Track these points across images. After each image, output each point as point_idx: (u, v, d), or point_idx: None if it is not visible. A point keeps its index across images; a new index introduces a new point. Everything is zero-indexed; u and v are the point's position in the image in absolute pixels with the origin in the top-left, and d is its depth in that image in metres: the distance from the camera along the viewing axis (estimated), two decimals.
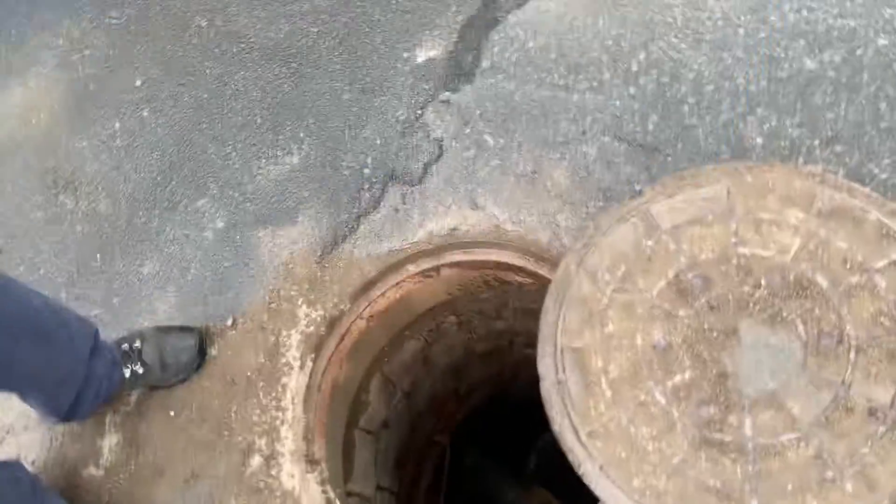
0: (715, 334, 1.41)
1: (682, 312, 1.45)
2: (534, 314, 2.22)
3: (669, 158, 1.69)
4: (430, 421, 2.71)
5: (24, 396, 1.59)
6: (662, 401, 1.39)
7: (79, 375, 1.60)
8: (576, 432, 1.42)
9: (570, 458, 1.40)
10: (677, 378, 1.40)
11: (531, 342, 2.50)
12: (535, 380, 3.05)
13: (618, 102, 1.80)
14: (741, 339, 1.40)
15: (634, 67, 1.84)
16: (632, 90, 1.81)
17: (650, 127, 1.75)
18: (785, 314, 1.39)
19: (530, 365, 2.82)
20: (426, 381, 2.46)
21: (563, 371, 1.48)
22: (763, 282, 1.43)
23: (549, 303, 1.56)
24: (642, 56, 1.85)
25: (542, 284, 1.94)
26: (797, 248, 1.44)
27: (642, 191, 1.58)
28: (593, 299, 1.52)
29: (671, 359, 1.42)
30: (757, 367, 1.37)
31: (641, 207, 1.57)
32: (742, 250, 1.47)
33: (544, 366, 1.50)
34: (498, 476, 3.27)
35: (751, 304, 1.42)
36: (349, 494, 1.97)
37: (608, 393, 1.43)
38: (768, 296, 1.41)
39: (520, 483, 3.39)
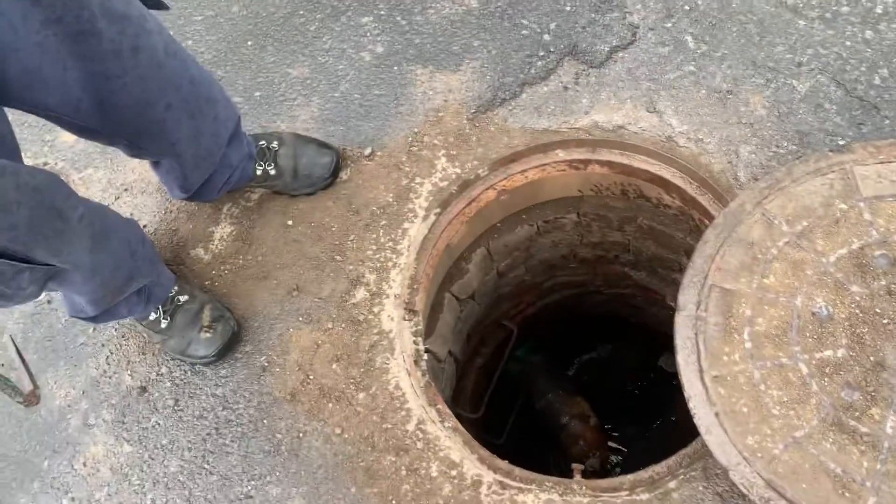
0: (885, 321, 1.30)
1: (855, 288, 1.34)
2: (657, 236, 2.13)
3: (887, 121, 1.52)
4: (507, 305, 2.68)
5: (157, 167, 1.57)
6: (805, 370, 1.30)
7: (215, 157, 1.57)
8: (700, 372, 1.35)
9: (688, 394, 1.35)
10: (828, 353, 1.31)
11: (637, 262, 2.42)
12: (612, 297, 2.97)
13: (848, 43, 1.61)
14: None
15: (879, 9, 1.62)
16: (868, 34, 1.61)
17: (876, 80, 1.56)
18: None
19: (620, 284, 2.76)
20: (521, 267, 2.40)
21: (706, 308, 1.40)
22: None
23: (709, 235, 1.45)
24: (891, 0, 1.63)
25: (687, 211, 1.83)
26: None
27: (850, 146, 1.42)
28: (762, 245, 1.41)
29: (828, 331, 1.32)
30: None
31: (846, 165, 1.42)
32: None
33: (686, 297, 1.42)
34: (545, 373, 3.29)
35: None
36: (426, 351, 1.97)
37: (748, 344, 1.35)
38: None
39: (562, 386, 3.40)
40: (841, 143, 1.53)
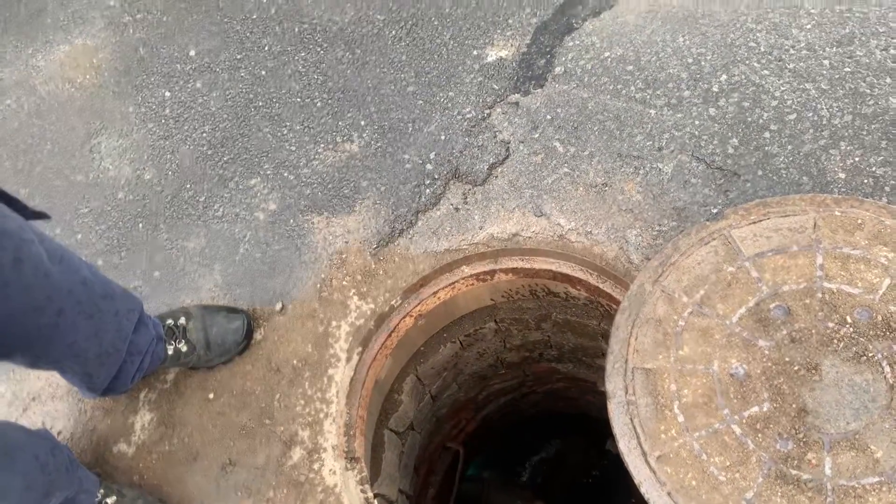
0: (796, 368, 1.38)
1: (762, 342, 1.41)
2: (574, 328, 2.19)
3: (749, 184, 1.66)
4: (448, 426, 2.66)
5: (63, 372, 1.52)
6: (738, 431, 1.35)
7: (121, 350, 1.53)
8: (644, 455, 1.38)
9: (637, 480, 1.36)
10: (754, 409, 1.36)
11: (562, 356, 2.47)
12: (547, 394, 2.99)
13: (697, 122, 1.77)
14: (823, 376, 1.36)
15: (715, 88, 1.80)
16: (712, 111, 1.78)
17: (730, 150, 1.71)
18: (871, 354, 1.36)
19: (551, 380, 2.79)
20: (452, 385, 2.41)
21: (633, 391, 1.44)
22: (849, 319, 1.40)
23: (620, 320, 1.51)
24: (723, 77, 1.81)
25: (595, 300, 1.91)
26: (886, 288, 1.41)
27: (724, 213, 1.54)
28: (669, 320, 1.48)
29: (749, 389, 1.38)
30: (839, 406, 1.33)
31: (724, 231, 1.53)
32: (828, 285, 1.44)
33: (613, 384, 1.46)
34: (500, 488, 3.23)
35: (835, 341, 1.38)
36: (375, 496, 1.91)
37: (680, 418, 1.39)
38: (854, 334, 1.38)
39: (520, 495, 3.35)
40: (714, 211, 1.65)
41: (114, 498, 1.52)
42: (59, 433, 1.71)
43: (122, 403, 1.72)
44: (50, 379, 1.78)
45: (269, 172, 1.97)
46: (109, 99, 2.22)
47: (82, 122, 2.18)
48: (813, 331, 1.40)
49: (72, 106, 2.22)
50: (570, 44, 1.97)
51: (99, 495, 1.51)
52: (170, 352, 1.64)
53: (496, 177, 1.85)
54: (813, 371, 1.37)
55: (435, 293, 1.85)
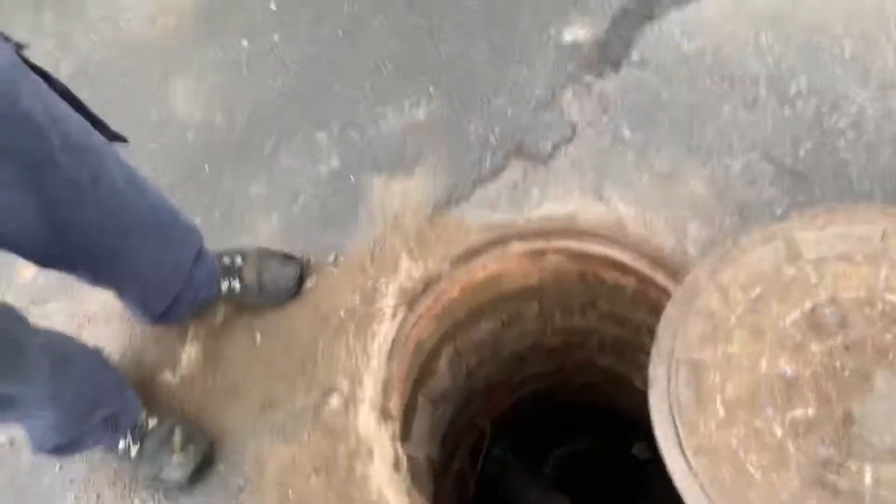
0: (847, 375, 1.35)
1: (814, 347, 1.39)
2: (617, 319, 2.18)
3: (818, 190, 1.63)
4: (479, 403, 2.67)
5: (121, 293, 1.58)
6: (779, 432, 1.33)
7: (180, 280, 1.58)
8: (680, 445, 1.37)
9: (671, 469, 1.35)
10: (799, 412, 1.34)
11: (603, 346, 2.46)
12: (586, 386, 2.98)
13: (771, 122, 1.74)
14: (874, 387, 1.34)
15: (793, 90, 1.77)
16: (787, 112, 1.74)
17: (801, 154, 1.68)
18: None
19: (588, 371, 2.78)
20: (490, 362, 2.42)
21: (677, 381, 1.43)
22: None
23: (671, 310, 1.50)
24: (803, 80, 1.78)
25: (644, 290, 1.89)
26: None
27: (789, 215, 1.52)
28: (721, 315, 1.47)
29: (795, 391, 1.36)
30: (888, 418, 1.30)
31: (787, 232, 1.51)
32: (890, 297, 1.41)
33: (657, 372, 1.45)
34: (524, 473, 3.24)
35: (891, 353, 1.36)
36: (406, 456, 1.94)
37: (721, 412, 1.38)
38: None
39: (542, 485, 3.35)
40: (778, 212, 1.62)
41: (155, 420, 1.57)
42: (109, 355, 1.76)
43: (173, 334, 1.77)
44: (106, 301, 1.84)
45: (335, 130, 1.99)
46: (189, 43, 2.27)
47: (160, 63, 2.24)
48: (869, 340, 1.37)
49: (152, 45, 2.28)
50: (650, 32, 1.95)
51: (141, 417, 1.57)
52: (223, 289, 1.69)
53: (559, 156, 1.84)
54: (864, 381, 1.34)
55: (484, 265, 1.86)
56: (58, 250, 1.30)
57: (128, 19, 2.36)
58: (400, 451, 1.65)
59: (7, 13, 2.44)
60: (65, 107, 1.22)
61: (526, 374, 2.70)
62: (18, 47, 1.16)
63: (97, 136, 1.29)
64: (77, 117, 1.25)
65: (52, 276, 1.88)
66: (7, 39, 1.15)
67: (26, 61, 1.17)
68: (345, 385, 1.64)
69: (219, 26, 2.28)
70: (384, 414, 1.67)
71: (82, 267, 1.41)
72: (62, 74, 2.15)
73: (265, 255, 1.73)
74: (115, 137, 1.37)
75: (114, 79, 2.23)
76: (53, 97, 1.20)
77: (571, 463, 3.96)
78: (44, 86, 1.18)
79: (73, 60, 2.29)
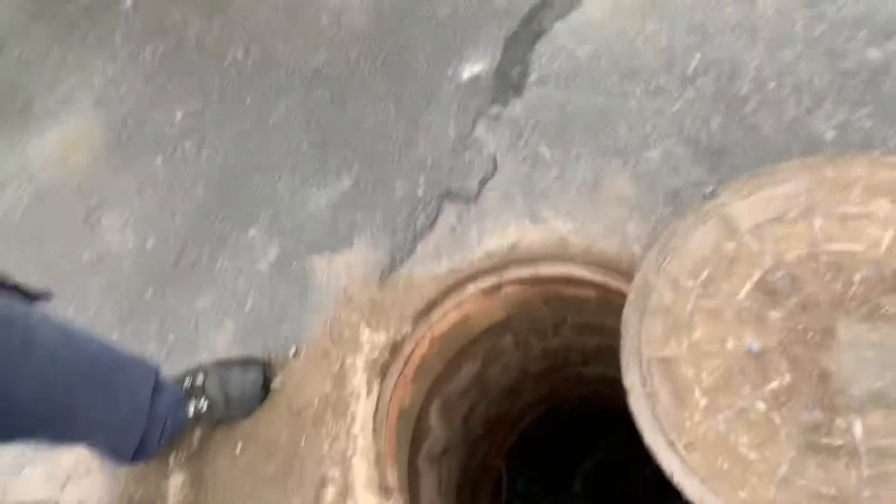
0: (811, 335, 1.35)
1: (772, 314, 1.39)
2: (591, 329, 2.17)
3: (738, 159, 1.64)
4: (485, 445, 2.65)
5: (90, 445, 1.54)
6: (763, 407, 1.33)
7: (142, 417, 1.55)
8: (672, 445, 1.36)
9: (667, 471, 1.34)
10: (775, 383, 1.34)
11: (586, 359, 2.45)
12: (584, 398, 2.97)
13: (677, 105, 1.76)
14: (839, 339, 1.34)
15: (690, 70, 1.80)
16: (690, 93, 1.77)
17: (714, 128, 1.70)
18: (885, 309, 1.33)
19: (581, 384, 2.77)
20: (482, 403, 2.40)
21: (652, 382, 1.42)
22: (856, 278, 1.37)
23: (628, 314, 1.50)
24: (697, 57, 1.81)
25: (606, 297, 1.89)
26: (890, 240, 1.38)
27: (716, 192, 1.53)
28: (677, 307, 1.47)
29: (767, 363, 1.36)
30: (860, 367, 1.31)
31: (718, 209, 1.52)
32: (830, 247, 1.42)
33: (631, 379, 1.45)
34: (554, 500, 3.20)
35: (846, 302, 1.36)
36: None
37: (703, 402, 1.37)
38: (864, 291, 1.36)
39: None
40: (707, 190, 1.64)
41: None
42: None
43: (154, 468, 1.73)
44: (81, 455, 1.80)
45: (266, 222, 1.99)
46: (105, 174, 2.26)
47: (82, 201, 2.23)
48: (822, 295, 1.38)
49: (70, 187, 2.27)
50: (542, 48, 1.98)
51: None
52: (191, 412, 1.66)
53: (488, 190, 1.85)
54: (828, 335, 1.34)
55: (444, 315, 1.85)
56: (9, 425, 1.27)
57: (40, 167, 2.35)
58: None
59: None
60: None
61: (522, 405, 2.68)
62: None
63: (18, 305, 1.27)
64: None
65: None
66: None
67: None
68: (336, 473, 1.61)
69: (131, 150, 2.28)
70: (384, 490, 1.64)
71: (39, 433, 1.38)
72: None
73: (225, 366, 1.71)
74: (37, 297, 1.35)
75: (40, 230, 2.21)
76: None
77: (600, 474, 3.91)
78: None
79: None
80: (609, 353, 2.33)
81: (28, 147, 2.42)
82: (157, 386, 1.57)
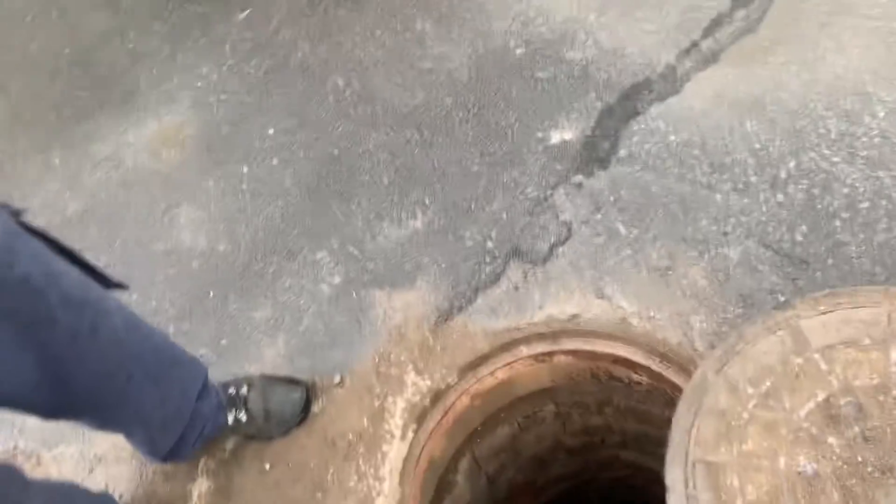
0: (870, 469, 1.30)
1: (832, 440, 1.34)
2: (637, 415, 2.13)
3: (818, 273, 1.61)
4: None
5: (128, 434, 1.57)
6: None
7: (185, 416, 1.57)
8: None
9: None
10: None
11: (625, 442, 2.39)
12: (614, 482, 2.89)
13: (764, 208, 1.74)
14: None
15: (783, 174, 1.78)
16: (780, 197, 1.75)
17: (798, 238, 1.67)
18: None
19: (613, 467, 2.70)
20: (511, 468, 2.36)
21: (694, 485, 1.38)
22: None
23: (682, 409, 1.47)
24: (792, 164, 1.79)
25: (658, 386, 1.85)
26: None
27: (792, 303, 1.49)
28: (732, 412, 1.43)
29: (818, 489, 1.31)
30: None
31: (791, 321, 1.49)
32: None
33: (673, 477, 1.41)
34: None
35: None
36: None
37: None
38: None
39: None
40: (782, 299, 1.60)
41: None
42: (120, 496, 1.75)
43: (183, 470, 1.75)
44: (116, 442, 1.83)
45: (335, 247, 2.02)
46: (191, 173, 2.34)
47: (164, 195, 2.30)
48: (888, 430, 1.33)
49: (156, 179, 2.36)
50: (636, 127, 1.99)
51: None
52: (230, 420, 1.68)
53: (557, 256, 1.85)
54: (888, 473, 1.29)
55: (492, 372, 1.84)
56: (61, 403, 1.31)
57: (132, 154, 2.45)
58: None
59: (19, 160, 2.55)
60: (62, 264, 1.26)
61: (549, 477, 2.62)
62: (16, 214, 1.21)
63: (95, 288, 1.32)
64: (74, 272, 1.28)
65: None
66: (4, 206, 1.19)
67: (24, 225, 1.21)
68: None
69: (220, 155, 2.35)
70: None
71: (87, 415, 1.41)
72: (70, 214, 2.24)
73: (270, 382, 1.73)
74: (113, 285, 1.40)
75: (120, 214, 2.29)
76: (51, 257, 1.23)
77: None
78: (41, 247, 1.22)
79: (80, 199, 2.36)
80: (648, 442, 2.28)
81: (124, 135, 2.52)
82: (204, 388, 1.60)
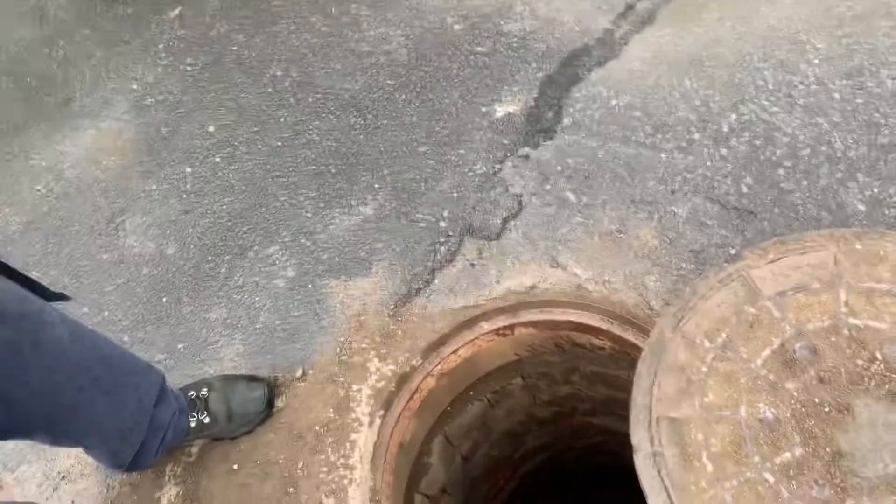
0: (827, 409, 1.32)
1: (789, 385, 1.36)
2: (603, 380, 2.14)
3: (766, 223, 1.62)
4: (484, 488, 2.60)
5: (87, 448, 1.53)
6: (771, 479, 1.29)
7: (143, 425, 1.54)
8: None
9: None
10: (786, 455, 1.31)
11: (595, 409, 2.41)
12: (589, 449, 2.92)
13: (709, 163, 1.75)
14: (856, 416, 1.30)
15: (725, 128, 1.79)
16: (723, 151, 1.76)
17: (744, 189, 1.69)
18: None
19: (587, 434, 2.72)
20: (484, 444, 2.36)
21: (660, 442, 1.39)
22: (879, 355, 1.34)
23: (642, 369, 1.48)
24: (733, 117, 1.80)
25: (620, 349, 1.86)
26: None
27: (741, 254, 1.51)
28: (691, 367, 1.44)
29: (779, 434, 1.33)
30: (875, 448, 1.27)
31: (742, 272, 1.50)
32: (853, 321, 1.39)
33: (638, 436, 1.42)
34: None
35: (866, 379, 1.33)
36: None
37: (710, 467, 1.34)
38: (885, 371, 1.32)
39: None
40: (732, 251, 1.62)
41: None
42: None
43: (149, 478, 1.71)
44: (79, 457, 1.79)
45: (286, 240, 1.99)
46: (134, 178, 2.29)
47: (108, 202, 2.24)
48: (842, 370, 1.35)
49: (98, 187, 2.29)
50: (577, 94, 1.98)
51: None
52: (192, 424, 1.64)
53: (510, 230, 1.84)
54: (845, 412, 1.31)
55: (455, 351, 1.83)
56: (10, 424, 1.27)
57: (71, 165, 2.38)
58: None
59: None
60: None
61: (525, 450, 2.64)
62: None
63: (33, 301, 1.27)
64: (11, 287, 1.24)
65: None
66: None
67: None
68: (331, 502, 1.59)
69: (161, 157, 2.30)
70: None
71: (40, 432, 1.37)
72: (12, 230, 2.17)
73: (230, 382, 1.70)
74: (54, 297, 1.35)
75: (64, 226, 2.23)
76: None
77: None
78: None
79: (22, 214, 2.29)
80: (618, 406, 2.30)
81: (62, 143, 2.45)
82: (162, 395, 1.56)
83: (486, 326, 1.83)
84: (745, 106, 1.82)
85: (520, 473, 2.80)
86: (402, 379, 1.78)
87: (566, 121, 1.95)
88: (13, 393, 1.23)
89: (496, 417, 2.27)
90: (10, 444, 1.87)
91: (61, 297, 1.37)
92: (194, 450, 1.72)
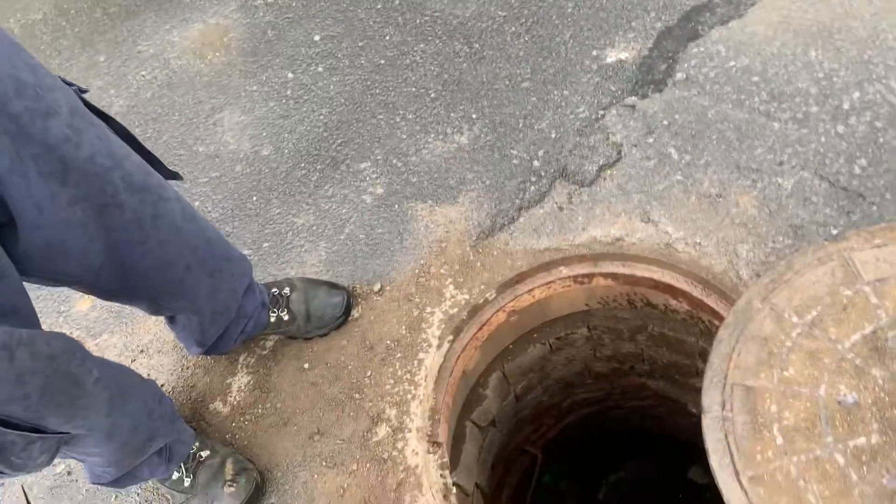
0: None
1: (875, 372, 1.34)
2: (669, 343, 2.13)
3: (875, 207, 1.57)
4: (529, 429, 2.64)
5: (176, 324, 1.60)
6: (841, 460, 1.28)
7: (232, 310, 1.60)
8: (736, 474, 1.33)
9: (727, 499, 1.31)
10: (861, 440, 1.29)
11: (654, 371, 2.41)
12: (637, 410, 2.92)
13: (823, 139, 1.69)
14: None
15: (846, 105, 1.72)
16: (840, 129, 1.70)
17: (857, 171, 1.63)
18: None
19: (639, 395, 2.73)
20: (538, 388, 2.39)
21: (731, 408, 1.39)
22: None
23: (723, 334, 1.47)
24: (856, 95, 1.73)
25: (696, 314, 1.85)
26: None
27: (845, 235, 1.47)
28: (775, 339, 1.42)
29: (857, 418, 1.31)
30: None
31: (843, 253, 1.46)
32: None
33: (710, 398, 1.42)
34: (577, 501, 3.18)
35: None
36: (454, 485, 1.92)
37: (779, 440, 1.33)
38: None
39: None
40: (834, 232, 1.57)
41: (207, 452, 1.59)
42: (161, 385, 1.80)
43: (222, 364, 1.79)
44: (158, 333, 1.88)
45: (379, 158, 2.01)
46: (236, 76, 2.32)
47: (208, 97, 2.29)
48: None
49: (200, 81, 2.34)
50: (695, 50, 1.92)
51: (194, 447, 1.58)
52: (272, 319, 1.70)
53: (604, 179, 1.82)
54: None
55: (530, 290, 1.84)
56: (121, 286, 1.33)
57: (177, 55, 2.43)
58: (449, 481, 1.64)
59: (64, 54, 2.54)
60: (125, 148, 1.26)
61: (575, 400, 2.66)
62: (80, 91, 1.20)
63: (156, 175, 1.32)
64: (136, 157, 1.28)
65: (107, 308, 1.94)
66: (69, 85, 1.19)
67: (87, 104, 1.21)
68: (392, 414, 1.64)
69: (264, 60, 2.33)
70: (432, 443, 1.66)
71: (144, 300, 1.44)
72: (115, 112, 2.24)
73: (312, 285, 1.75)
74: (171, 176, 1.40)
75: (164, 115, 2.29)
76: (115, 139, 1.23)
77: (626, 489, 3.88)
78: (104, 128, 1.22)
79: (125, 98, 2.36)
80: (678, 372, 2.29)
81: (170, 33, 2.50)
82: (251, 286, 1.62)
83: (564, 271, 1.83)
84: (871, 85, 1.74)
85: (564, 423, 2.83)
86: (475, 309, 1.80)
87: (679, 76, 1.89)
88: (130, 260, 1.29)
89: (555, 363, 2.29)
90: (95, 312, 1.97)
91: (175, 176, 1.42)
92: (269, 344, 1.79)
